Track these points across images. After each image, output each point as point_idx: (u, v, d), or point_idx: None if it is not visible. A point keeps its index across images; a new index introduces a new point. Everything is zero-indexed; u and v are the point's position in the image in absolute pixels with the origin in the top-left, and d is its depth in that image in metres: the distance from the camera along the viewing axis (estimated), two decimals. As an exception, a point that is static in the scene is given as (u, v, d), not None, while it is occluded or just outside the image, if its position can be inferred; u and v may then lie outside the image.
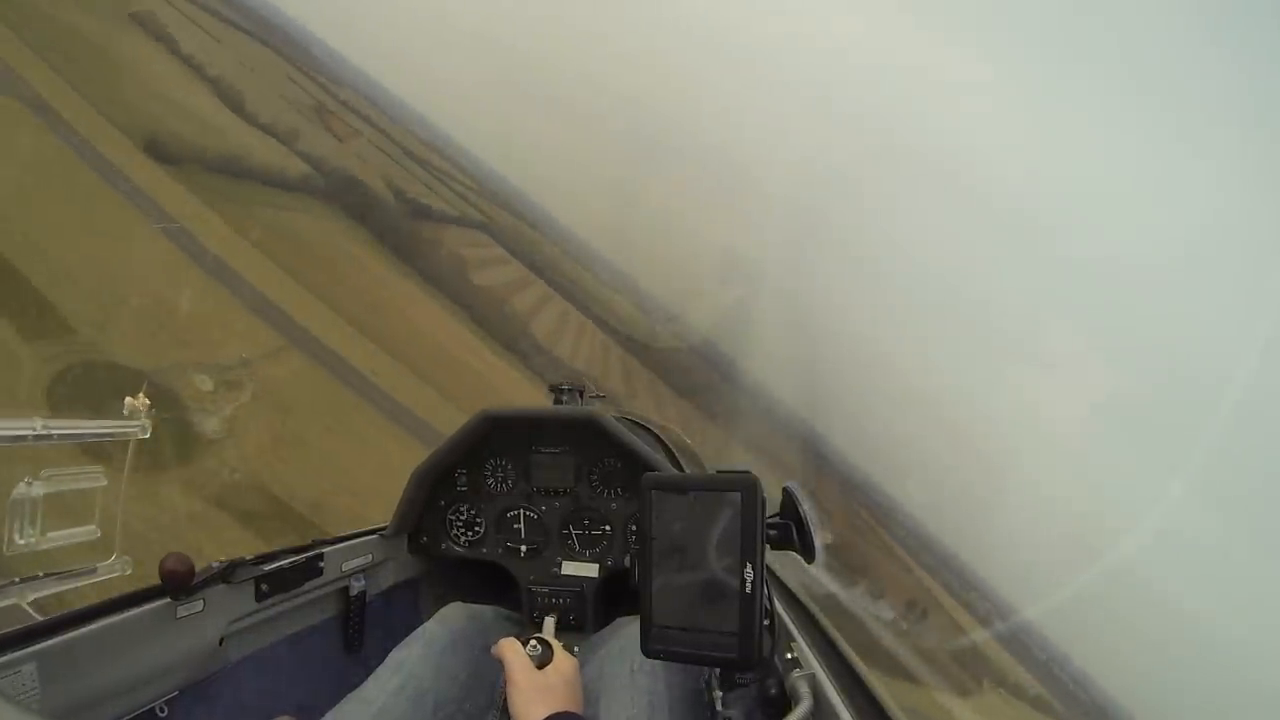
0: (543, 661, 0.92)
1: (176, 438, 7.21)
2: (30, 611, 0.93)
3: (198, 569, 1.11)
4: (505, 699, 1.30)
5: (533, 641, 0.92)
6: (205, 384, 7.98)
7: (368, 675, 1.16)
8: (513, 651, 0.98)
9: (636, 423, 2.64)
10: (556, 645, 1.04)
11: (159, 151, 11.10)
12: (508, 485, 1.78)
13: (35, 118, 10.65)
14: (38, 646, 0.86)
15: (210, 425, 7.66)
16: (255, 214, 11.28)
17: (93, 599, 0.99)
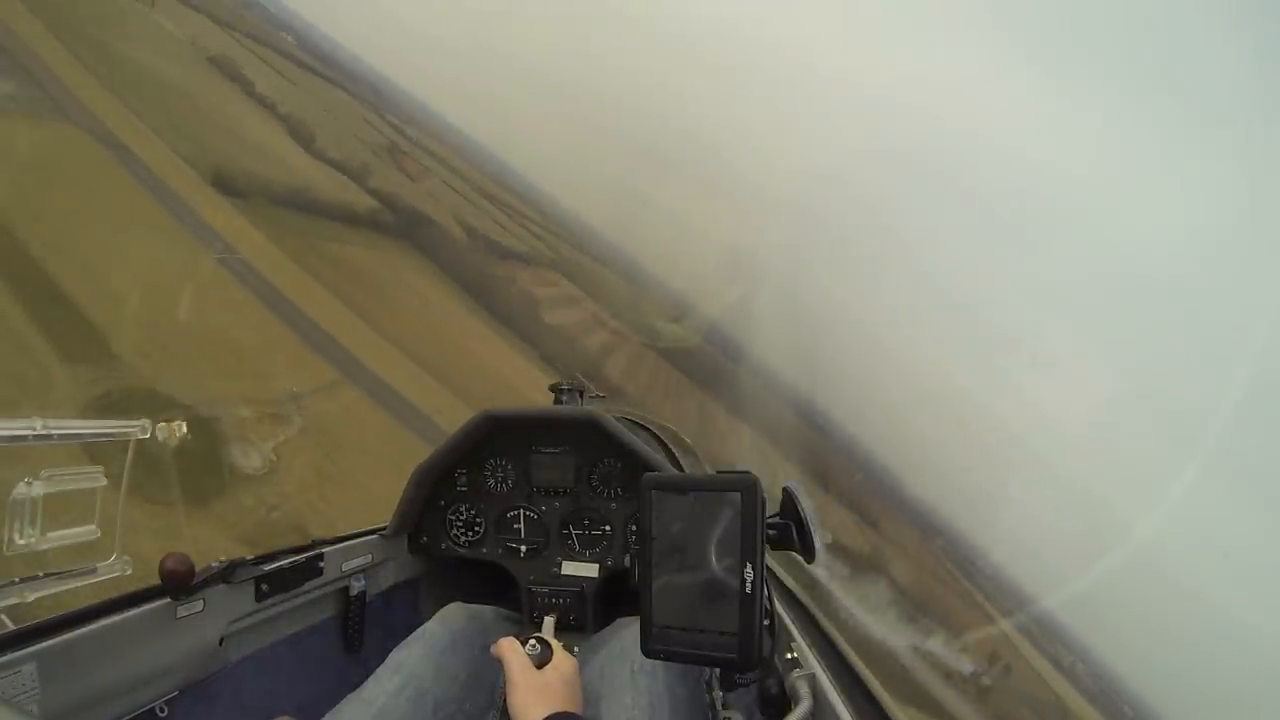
0: (542, 661, 0.92)
1: (214, 472, 7.02)
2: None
3: (198, 569, 1.11)
4: (505, 699, 1.30)
5: (532, 641, 0.92)
6: (250, 416, 7.78)
7: (367, 675, 1.17)
8: (512, 651, 0.97)
9: (636, 423, 2.64)
10: (556, 645, 1.04)
11: (225, 185, 11.13)
12: (508, 485, 1.78)
13: (105, 150, 10.77)
14: (38, 646, 0.86)
15: (251, 460, 7.40)
16: (319, 248, 11.18)
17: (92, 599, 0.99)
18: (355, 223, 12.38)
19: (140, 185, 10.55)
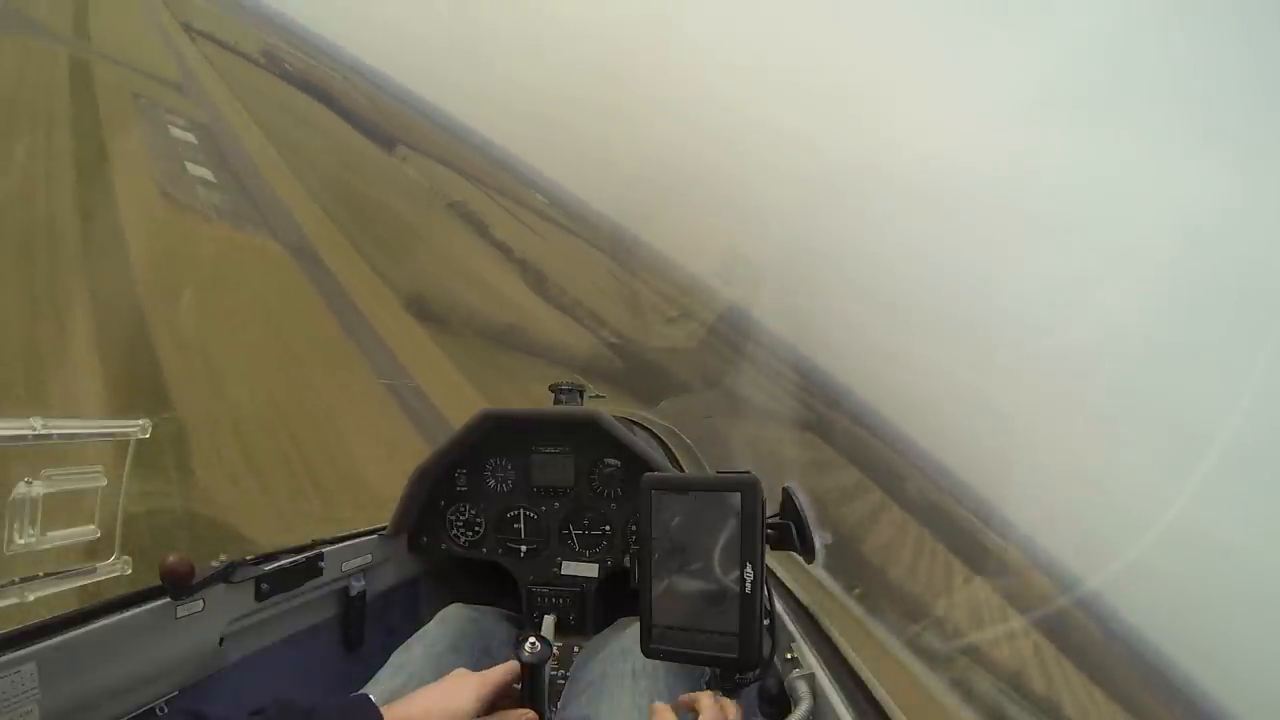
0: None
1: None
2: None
3: (197, 569, 1.11)
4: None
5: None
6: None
7: (368, 675, 1.17)
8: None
9: (636, 423, 2.64)
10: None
11: (424, 311, 11.01)
12: (508, 485, 1.79)
13: (296, 264, 10.92)
14: (38, 646, 0.86)
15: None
16: (525, 387, 10.70)
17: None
18: (574, 366, 11.98)
19: (323, 299, 10.63)
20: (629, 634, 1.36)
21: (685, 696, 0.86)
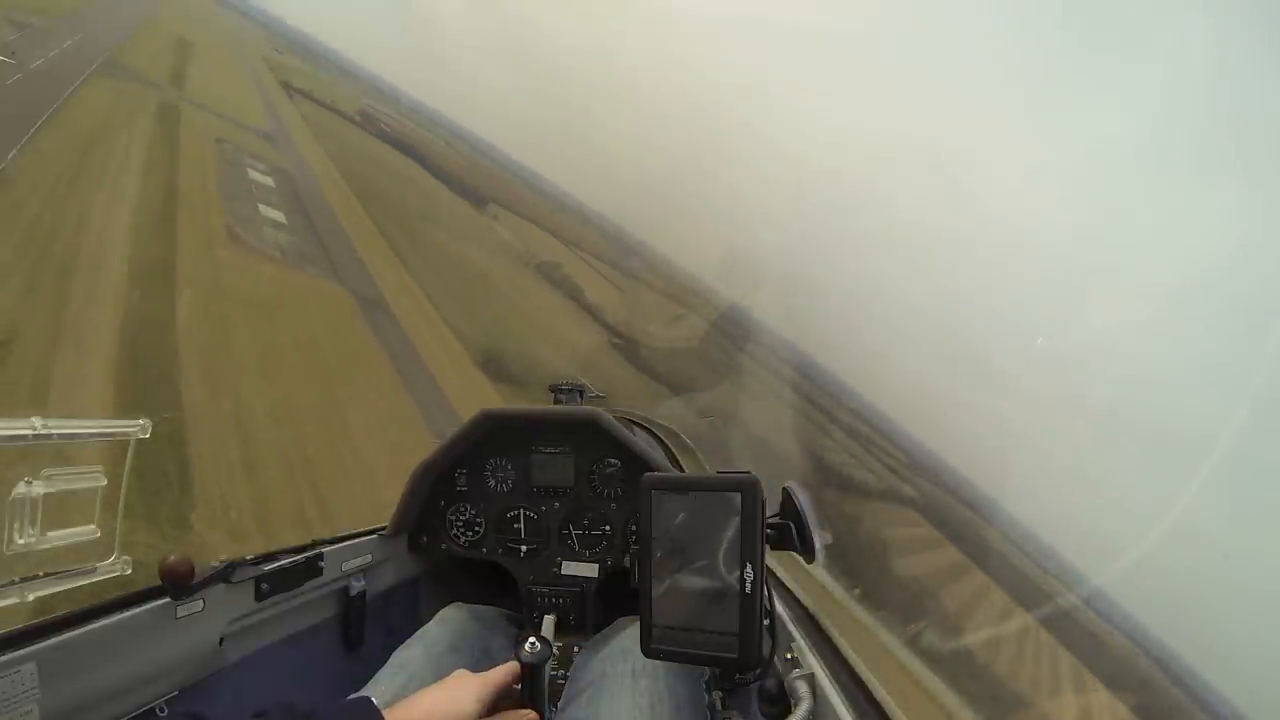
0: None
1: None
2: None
3: (197, 568, 1.11)
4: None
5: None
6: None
7: (368, 675, 1.17)
8: None
9: (636, 423, 2.64)
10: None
11: (496, 369, 10.88)
12: (508, 485, 1.79)
13: (361, 312, 10.94)
14: (37, 646, 0.86)
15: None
16: None
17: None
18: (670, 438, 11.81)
19: (384, 350, 10.61)
20: (629, 634, 1.36)
21: None
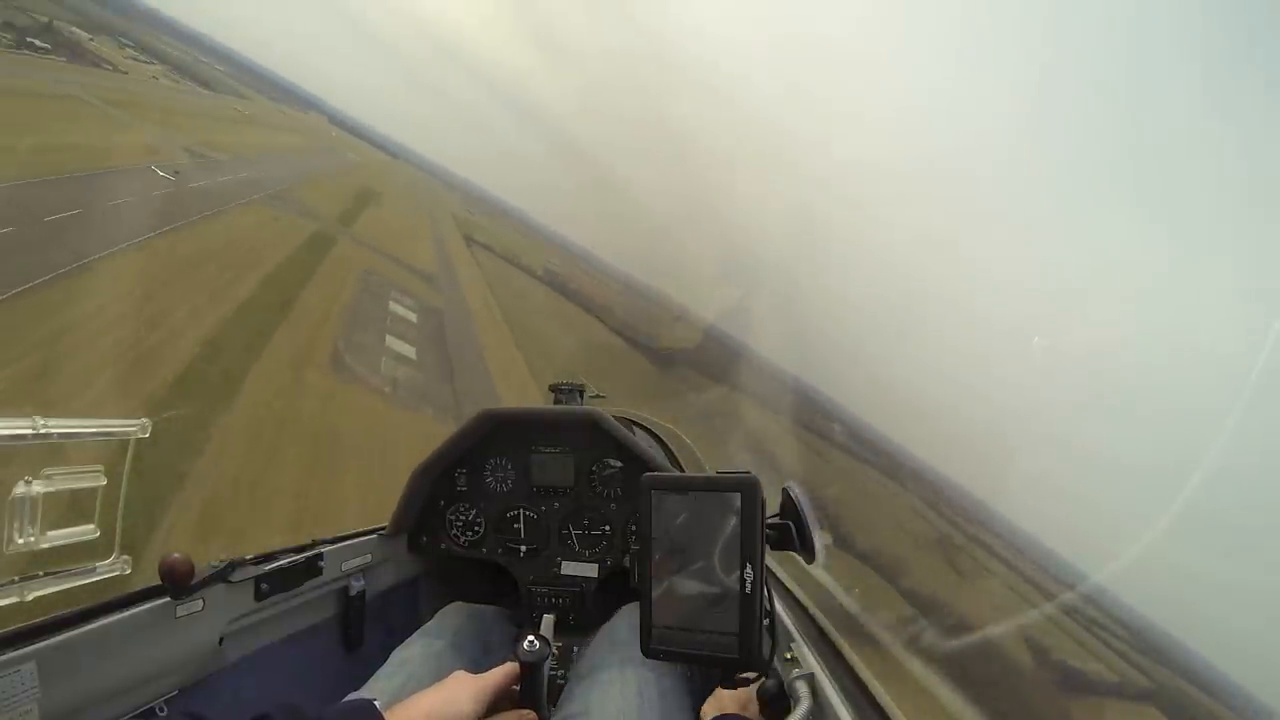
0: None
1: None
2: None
3: (197, 569, 1.11)
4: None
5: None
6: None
7: (367, 675, 1.17)
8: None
9: (636, 423, 2.64)
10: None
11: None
12: (508, 485, 1.78)
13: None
14: (38, 646, 0.86)
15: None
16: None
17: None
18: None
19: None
20: (623, 626, 1.36)
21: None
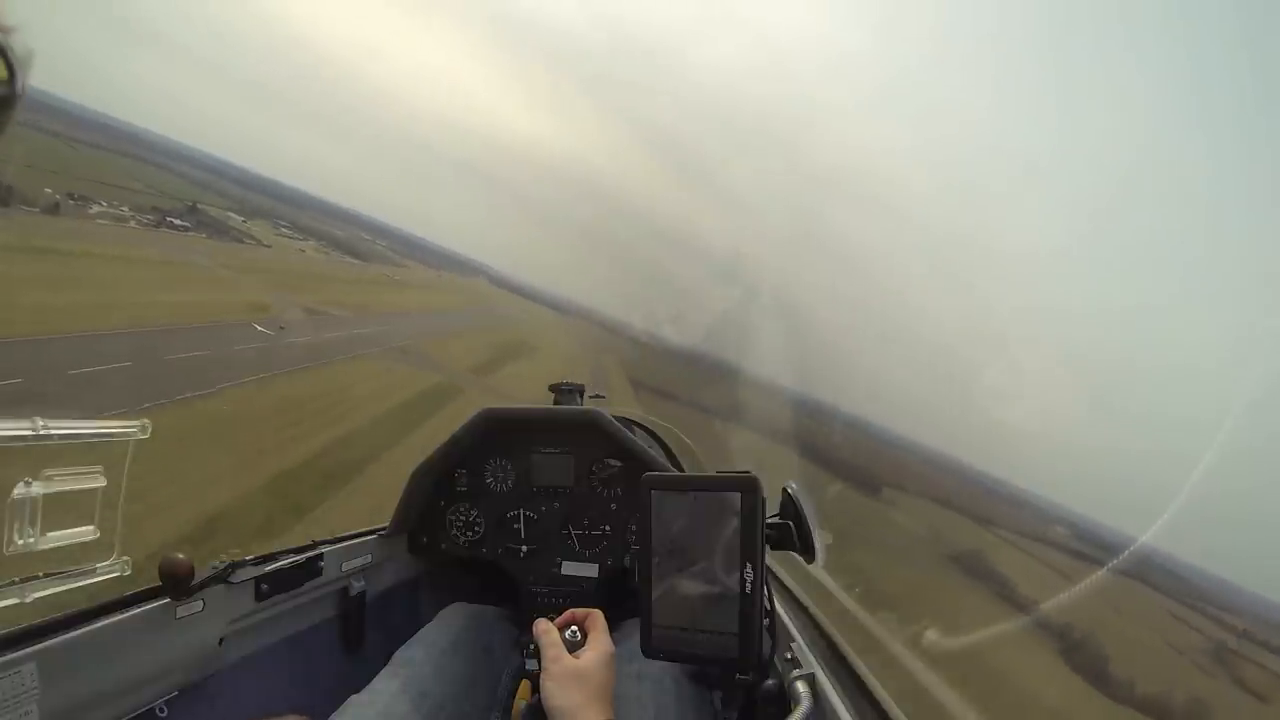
0: (576, 647, 0.90)
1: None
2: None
3: (197, 569, 1.11)
4: (508, 699, 1.30)
5: (573, 628, 0.90)
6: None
7: (368, 675, 1.17)
8: (546, 633, 0.88)
9: (636, 423, 2.64)
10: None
11: None
12: (508, 485, 1.78)
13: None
14: (38, 646, 0.86)
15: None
16: None
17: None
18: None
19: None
20: (632, 635, 1.36)
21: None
